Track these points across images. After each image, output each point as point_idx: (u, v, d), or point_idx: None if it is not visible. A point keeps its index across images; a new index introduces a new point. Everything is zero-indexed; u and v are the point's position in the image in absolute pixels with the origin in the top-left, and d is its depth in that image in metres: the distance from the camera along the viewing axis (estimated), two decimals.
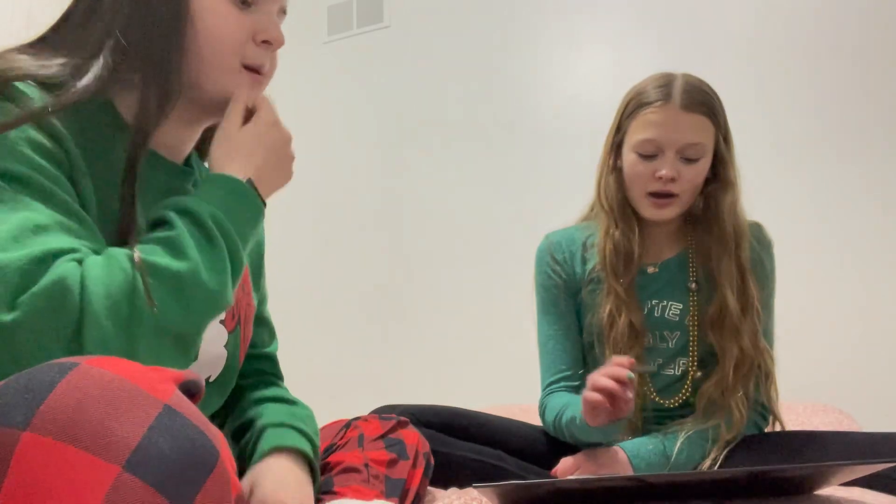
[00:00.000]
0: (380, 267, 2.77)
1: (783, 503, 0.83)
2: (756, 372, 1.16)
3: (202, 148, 0.84)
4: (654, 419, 1.21)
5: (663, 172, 1.12)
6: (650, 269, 1.23)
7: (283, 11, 0.80)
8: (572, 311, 1.28)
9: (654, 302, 1.22)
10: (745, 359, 1.14)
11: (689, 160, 1.14)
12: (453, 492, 0.99)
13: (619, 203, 1.21)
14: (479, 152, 2.63)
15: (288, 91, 3.01)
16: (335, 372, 2.67)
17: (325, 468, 0.84)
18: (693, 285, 1.21)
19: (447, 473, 1.07)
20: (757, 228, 1.24)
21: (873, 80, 2.08)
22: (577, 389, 1.18)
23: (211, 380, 0.80)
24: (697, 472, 1.03)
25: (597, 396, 1.00)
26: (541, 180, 2.47)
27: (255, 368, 0.93)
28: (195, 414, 0.46)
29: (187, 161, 0.82)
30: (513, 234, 2.42)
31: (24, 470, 0.40)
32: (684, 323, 1.20)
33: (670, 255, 1.24)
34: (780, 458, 1.07)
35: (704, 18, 2.30)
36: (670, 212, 1.17)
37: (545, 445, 1.25)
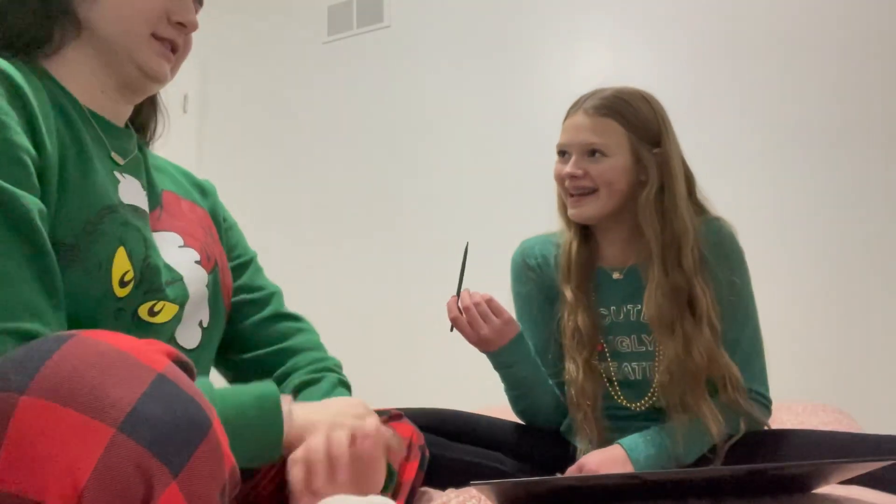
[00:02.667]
0: (378, 267, 2.77)
1: (782, 501, 0.83)
2: (719, 378, 1.13)
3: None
4: (622, 423, 1.20)
5: (566, 170, 1.20)
6: (615, 276, 1.24)
7: (199, 1, 0.83)
8: (548, 318, 1.27)
9: (629, 306, 1.22)
10: (692, 367, 1.12)
11: (594, 158, 1.19)
12: (451, 491, 0.98)
13: (563, 208, 1.26)
14: (479, 152, 2.63)
15: (288, 91, 3.02)
16: None
17: None
18: None
19: (445, 476, 1.06)
20: (715, 239, 1.19)
21: (871, 82, 2.08)
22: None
23: (204, 325, 0.82)
24: (695, 470, 1.02)
25: (457, 316, 1.23)
26: (540, 181, 2.47)
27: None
28: (189, 385, 0.46)
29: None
30: (511, 234, 2.41)
31: (21, 431, 0.41)
32: None
33: (634, 262, 1.24)
34: (776, 458, 1.06)
35: (704, 18, 2.30)
36: (587, 209, 1.20)
37: (543, 448, 1.25)
